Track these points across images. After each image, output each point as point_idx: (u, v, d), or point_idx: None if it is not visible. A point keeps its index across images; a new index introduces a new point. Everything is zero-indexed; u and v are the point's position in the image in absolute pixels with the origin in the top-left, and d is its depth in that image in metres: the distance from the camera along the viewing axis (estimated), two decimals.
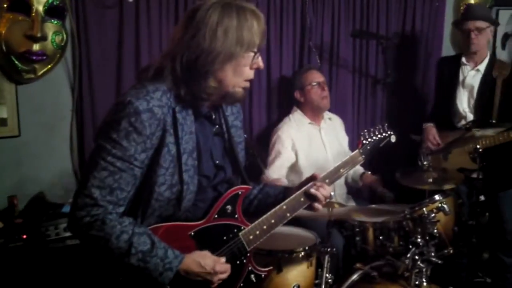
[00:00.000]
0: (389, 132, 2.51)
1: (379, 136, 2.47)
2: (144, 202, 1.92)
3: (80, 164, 3.78)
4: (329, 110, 4.13)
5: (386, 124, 2.51)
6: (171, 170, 1.91)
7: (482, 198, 4.00)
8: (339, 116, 4.23)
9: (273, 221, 2.14)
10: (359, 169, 4.03)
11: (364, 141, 2.42)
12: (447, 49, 4.71)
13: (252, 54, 1.95)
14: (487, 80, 3.82)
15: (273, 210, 2.15)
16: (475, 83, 3.88)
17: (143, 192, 1.91)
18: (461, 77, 3.94)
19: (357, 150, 2.39)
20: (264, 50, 4.08)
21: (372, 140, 2.44)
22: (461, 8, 4.61)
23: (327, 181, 2.24)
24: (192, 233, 2.00)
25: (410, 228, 3.24)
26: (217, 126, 2.12)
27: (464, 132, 3.73)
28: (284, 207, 2.16)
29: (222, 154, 2.13)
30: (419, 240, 3.11)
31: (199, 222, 2.02)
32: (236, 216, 2.09)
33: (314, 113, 3.98)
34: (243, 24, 1.90)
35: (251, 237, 2.11)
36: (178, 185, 1.93)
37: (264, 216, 2.14)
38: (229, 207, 2.07)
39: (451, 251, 3.33)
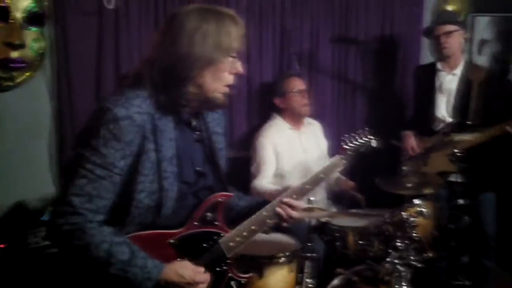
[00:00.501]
0: (369, 137, 2.52)
1: (360, 141, 2.48)
2: (124, 210, 1.91)
3: (60, 172, 3.76)
4: (309, 115, 4.15)
5: (368, 129, 2.53)
6: (151, 177, 1.90)
7: (461, 201, 4.05)
8: (319, 121, 4.25)
9: (253, 227, 2.14)
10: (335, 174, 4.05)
11: (346, 146, 2.43)
12: (425, 54, 4.76)
13: (231, 59, 1.96)
14: (463, 83, 3.86)
15: (253, 216, 2.15)
16: (453, 87, 3.92)
17: (122, 199, 1.90)
18: (437, 83, 3.98)
19: (337, 155, 2.41)
20: (244, 56, 4.08)
21: (353, 145, 2.45)
22: None
23: (294, 196, 2.23)
24: (172, 241, 2.00)
25: (390, 232, 3.27)
26: (198, 133, 2.11)
27: (443, 137, 3.77)
28: (264, 213, 2.16)
29: (203, 160, 2.13)
30: (399, 244, 3.14)
31: (179, 230, 2.01)
32: (216, 223, 2.09)
33: (294, 119, 3.99)
34: (222, 29, 1.91)
35: (231, 244, 2.10)
36: (158, 192, 1.92)
37: (245, 223, 2.14)
38: (209, 214, 2.07)
39: (431, 255, 3.36)
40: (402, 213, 3.25)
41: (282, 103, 3.96)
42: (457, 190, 3.55)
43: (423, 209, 3.26)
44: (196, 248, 2.05)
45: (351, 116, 4.56)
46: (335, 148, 4.35)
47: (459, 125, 3.74)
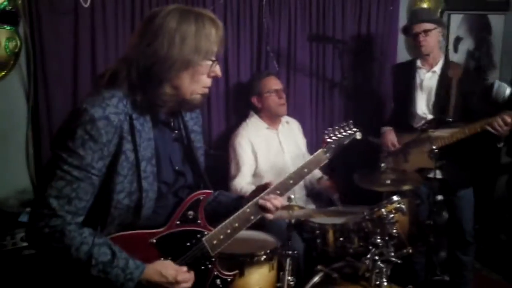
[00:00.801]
0: (354, 129, 2.48)
1: (344, 133, 2.44)
2: (103, 211, 1.90)
3: (37, 173, 3.71)
4: (287, 114, 4.15)
5: (352, 122, 2.49)
6: (130, 177, 1.89)
7: (439, 197, 4.09)
8: (297, 119, 4.26)
9: (236, 224, 2.13)
10: (317, 173, 4.07)
11: (329, 140, 2.38)
12: (402, 52, 4.80)
13: (210, 62, 1.94)
14: (443, 81, 3.88)
15: (236, 213, 2.14)
16: (433, 85, 3.94)
17: (101, 200, 1.88)
18: (418, 81, 4.00)
19: (321, 149, 2.36)
20: (222, 55, 4.07)
21: (337, 138, 2.40)
22: None
23: (278, 192, 2.21)
24: (154, 241, 1.99)
25: (369, 229, 3.28)
26: (176, 132, 2.10)
27: (420, 133, 3.80)
28: (248, 210, 2.15)
29: (182, 159, 2.12)
30: (378, 240, 3.16)
31: (160, 229, 2.00)
32: (198, 221, 2.08)
33: (271, 118, 4.00)
34: (201, 32, 1.89)
35: (215, 242, 2.09)
36: (137, 193, 1.91)
37: (227, 220, 2.13)
38: (191, 212, 2.06)
39: (410, 251, 3.38)
40: (381, 210, 3.27)
41: (259, 103, 3.96)
42: (435, 186, 3.57)
43: (401, 206, 3.28)
44: (178, 247, 2.04)
45: (329, 114, 4.58)
46: (314, 146, 4.39)
47: (439, 122, 3.77)
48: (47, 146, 3.66)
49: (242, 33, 4.19)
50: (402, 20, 4.71)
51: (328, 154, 2.36)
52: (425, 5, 4.66)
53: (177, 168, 2.07)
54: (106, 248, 1.85)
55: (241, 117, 4.13)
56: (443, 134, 3.69)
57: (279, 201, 2.19)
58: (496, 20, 5.05)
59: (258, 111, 4.01)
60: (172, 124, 2.09)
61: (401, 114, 4.09)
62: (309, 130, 4.46)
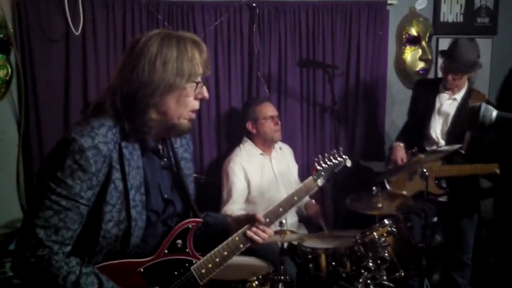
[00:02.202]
0: (344, 157, 2.48)
1: (334, 161, 2.44)
2: (91, 240, 1.88)
3: (27, 200, 3.70)
4: (280, 139, 4.17)
5: (341, 149, 2.50)
6: (118, 206, 1.87)
7: (434, 219, 4.08)
8: (288, 144, 4.27)
9: (225, 253, 2.12)
10: (306, 198, 4.07)
11: (319, 167, 2.38)
12: (392, 76, 4.83)
13: (195, 84, 1.93)
14: (462, 109, 3.84)
15: (225, 242, 2.12)
16: (451, 111, 3.91)
17: (90, 229, 1.86)
18: (437, 105, 3.97)
19: (311, 177, 2.36)
20: (213, 80, 4.10)
21: (327, 165, 2.41)
22: (404, 36, 4.75)
23: (267, 220, 2.21)
24: (142, 270, 1.97)
25: (361, 252, 3.28)
26: (165, 160, 2.09)
27: (411, 157, 3.80)
28: (237, 238, 2.14)
29: (171, 187, 2.11)
30: (370, 264, 3.16)
31: (148, 258, 1.98)
32: (187, 250, 2.06)
33: (265, 144, 4.00)
34: (183, 54, 1.88)
35: (203, 270, 2.08)
36: (125, 222, 1.89)
37: (216, 249, 2.11)
38: (179, 241, 2.04)
39: (402, 274, 3.37)
40: (373, 233, 3.26)
41: (254, 128, 3.96)
42: (427, 209, 3.57)
43: (393, 229, 3.28)
44: (166, 277, 2.02)
45: (320, 138, 4.59)
46: (305, 171, 4.40)
47: (451, 153, 3.76)
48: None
49: (233, 58, 4.21)
50: (391, 44, 4.76)
51: (318, 182, 2.36)
52: (413, 30, 4.70)
53: (166, 196, 2.06)
54: (93, 277, 1.83)
55: (233, 143, 4.13)
56: (453, 167, 3.74)
57: (268, 232, 2.18)
58: (484, 44, 5.10)
59: (252, 137, 4.00)
60: (161, 151, 2.08)
61: (414, 133, 4.06)
62: (300, 155, 4.46)
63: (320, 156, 2.43)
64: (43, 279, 1.79)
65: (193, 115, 1.99)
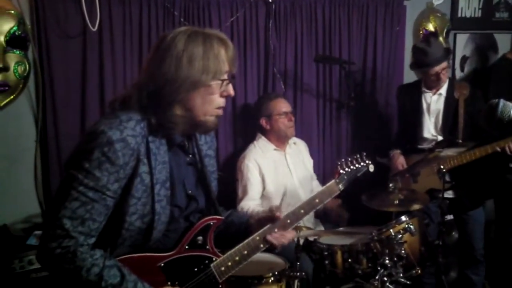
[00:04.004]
0: (367, 162, 2.47)
1: (357, 165, 2.43)
2: (115, 232, 1.90)
3: (45, 196, 3.73)
4: (295, 134, 4.16)
5: (364, 154, 2.48)
6: (144, 200, 1.89)
7: (449, 217, 4.06)
8: (304, 140, 4.26)
9: (245, 252, 2.11)
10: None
11: (342, 171, 2.37)
12: (408, 72, 4.80)
13: (220, 82, 1.94)
14: (450, 102, 3.88)
15: (245, 241, 2.12)
16: (440, 107, 3.94)
17: (113, 221, 1.89)
18: (425, 104, 3.99)
19: (333, 180, 2.34)
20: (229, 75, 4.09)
21: (349, 170, 2.39)
22: (421, 32, 4.71)
23: (288, 221, 2.19)
24: (162, 265, 1.98)
25: (378, 249, 3.27)
26: (190, 156, 2.10)
27: (428, 153, 3.79)
28: (257, 238, 2.13)
29: (195, 184, 2.11)
30: (387, 261, 3.13)
31: (169, 253, 2.00)
32: (207, 247, 2.07)
33: (279, 140, 3.99)
34: (209, 52, 1.89)
35: (222, 268, 2.08)
36: (149, 215, 1.91)
37: (236, 247, 2.11)
38: (200, 238, 2.05)
39: (419, 271, 3.35)
40: (390, 230, 3.25)
41: (268, 124, 3.96)
42: (444, 206, 3.55)
43: (410, 226, 3.26)
44: (186, 272, 2.03)
45: (336, 134, 4.57)
46: (321, 167, 4.39)
47: (448, 143, 3.76)
48: (55, 169, 3.69)
49: (249, 55, 4.21)
50: (408, 40, 4.73)
51: (340, 186, 2.35)
52: (430, 26, 4.66)
53: (190, 192, 2.07)
54: (116, 270, 1.85)
55: (248, 139, 4.13)
56: (452, 154, 3.69)
57: (287, 238, 2.18)
58: (502, 39, 5.06)
59: (266, 133, 4.00)
60: (187, 147, 2.09)
61: (409, 137, 4.09)
62: (316, 151, 4.45)
63: (343, 160, 2.42)
64: (67, 270, 1.81)
65: (220, 112, 2.00)
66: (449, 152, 3.70)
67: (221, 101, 1.98)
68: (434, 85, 3.94)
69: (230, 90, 2.00)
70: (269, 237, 2.14)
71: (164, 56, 1.88)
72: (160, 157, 1.92)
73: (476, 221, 3.95)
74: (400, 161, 4.03)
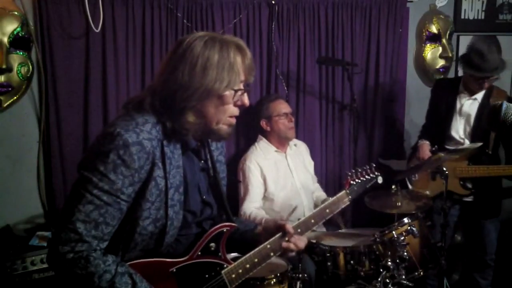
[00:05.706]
0: (376, 173, 2.48)
1: (366, 177, 2.44)
2: (127, 236, 1.88)
3: (48, 196, 3.73)
4: (297, 136, 4.16)
5: (374, 165, 2.50)
6: (157, 204, 1.87)
7: (455, 219, 4.04)
8: (307, 142, 4.26)
9: (256, 260, 2.09)
10: (322, 194, 4.11)
11: (352, 182, 2.38)
12: (411, 74, 4.80)
13: (234, 92, 1.90)
14: (484, 109, 3.78)
15: (256, 249, 2.10)
16: (472, 112, 3.87)
17: (126, 225, 1.87)
18: (458, 106, 3.92)
19: (344, 191, 2.35)
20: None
21: (359, 181, 2.40)
22: (424, 34, 4.71)
23: (298, 230, 2.18)
24: (174, 270, 1.96)
25: (380, 251, 3.27)
26: (203, 161, 2.08)
27: (455, 153, 3.74)
28: (268, 246, 2.11)
29: (207, 189, 2.10)
30: (389, 263, 3.14)
31: (181, 259, 1.98)
32: (219, 254, 2.05)
33: (280, 141, 4.00)
34: (225, 60, 1.85)
35: (233, 275, 2.06)
36: (162, 220, 1.89)
37: (247, 255, 2.09)
38: (213, 244, 2.03)
39: (421, 273, 3.35)
40: (392, 232, 3.25)
41: (268, 126, 3.96)
42: (447, 208, 3.54)
43: (412, 228, 3.26)
44: (197, 278, 2.01)
45: (339, 136, 4.57)
46: (323, 169, 4.38)
47: (477, 153, 3.75)
48: (58, 170, 3.69)
49: (252, 56, 4.19)
50: (411, 41, 4.73)
51: (350, 196, 2.36)
52: (433, 27, 4.66)
53: (205, 197, 2.06)
54: (127, 277, 1.83)
55: (250, 141, 4.12)
56: (479, 167, 3.73)
57: (304, 241, 2.17)
58: (506, 41, 5.04)
59: (266, 134, 4.00)
60: (200, 152, 2.07)
61: (436, 134, 4.02)
62: (319, 152, 4.45)
63: (353, 170, 2.43)
64: (79, 276, 1.78)
65: (233, 121, 1.97)
66: (479, 167, 3.74)
67: (235, 110, 1.96)
68: (472, 89, 3.85)
69: (245, 99, 1.97)
70: (284, 244, 2.11)
71: (178, 62, 1.85)
72: (175, 161, 1.90)
73: (492, 226, 3.94)
74: (427, 152, 3.89)
